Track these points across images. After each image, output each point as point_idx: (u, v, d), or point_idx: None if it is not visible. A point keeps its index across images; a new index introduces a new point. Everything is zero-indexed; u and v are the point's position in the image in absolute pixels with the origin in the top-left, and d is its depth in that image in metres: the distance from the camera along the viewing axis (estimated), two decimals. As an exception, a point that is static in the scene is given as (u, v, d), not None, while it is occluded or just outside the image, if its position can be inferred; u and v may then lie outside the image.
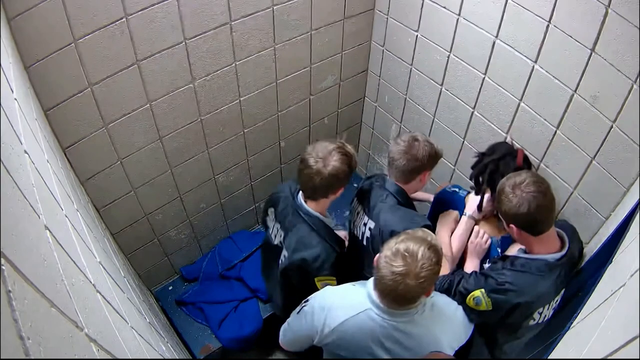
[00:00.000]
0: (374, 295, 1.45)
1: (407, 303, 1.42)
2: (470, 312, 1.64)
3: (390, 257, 1.34)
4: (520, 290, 1.58)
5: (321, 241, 1.82)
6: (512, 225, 1.59)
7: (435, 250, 1.36)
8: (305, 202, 1.87)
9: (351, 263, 2.05)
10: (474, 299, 1.62)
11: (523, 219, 1.54)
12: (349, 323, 1.49)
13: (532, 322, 1.69)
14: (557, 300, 1.68)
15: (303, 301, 1.67)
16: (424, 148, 1.84)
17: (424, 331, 1.47)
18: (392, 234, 1.69)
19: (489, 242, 1.92)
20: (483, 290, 1.61)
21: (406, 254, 1.32)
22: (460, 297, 1.67)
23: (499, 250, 1.90)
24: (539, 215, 1.53)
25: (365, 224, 1.94)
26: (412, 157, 1.84)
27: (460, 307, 1.65)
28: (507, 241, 1.90)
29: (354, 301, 1.51)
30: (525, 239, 1.62)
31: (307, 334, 1.61)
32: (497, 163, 1.87)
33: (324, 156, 1.73)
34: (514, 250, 1.76)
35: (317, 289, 1.75)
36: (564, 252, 1.61)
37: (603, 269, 1.28)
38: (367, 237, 1.93)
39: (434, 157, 1.89)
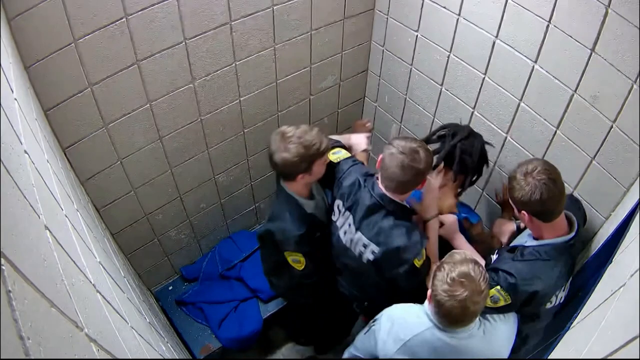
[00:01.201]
0: (433, 317, 1.54)
1: (469, 322, 1.51)
2: (490, 311, 1.64)
3: (448, 289, 1.42)
4: (535, 278, 1.59)
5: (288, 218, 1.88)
6: (523, 212, 1.59)
7: (479, 265, 1.47)
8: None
9: (328, 263, 2.04)
10: (491, 298, 1.61)
11: (535, 206, 1.55)
12: (416, 340, 1.57)
13: (549, 305, 1.70)
14: (569, 282, 1.70)
15: (371, 321, 1.76)
16: (425, 159, 1.68)
17: (486, 345, 1.56)
18: (399, 250, 1.73)
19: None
20: (498, 287, 1.62)
21: (463, 279, 1.41)
22: None
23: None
24: (550, 203, 1.54)
25: (365, 246, 1.81)
26: (413, 170, 1.66)
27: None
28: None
29: (417, 319, 1.60)
30: (536, 226, 1.63)
31: (372, 351, 1.71)
32: (464, 144, 1.93)
33: (283, 143, 1.73)
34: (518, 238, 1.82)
35: None
36: (573, 234, 1.62)
37: (603, 269, 1.28)
38: (369, 260, 1.82)
39: (432, 161, 1.79)
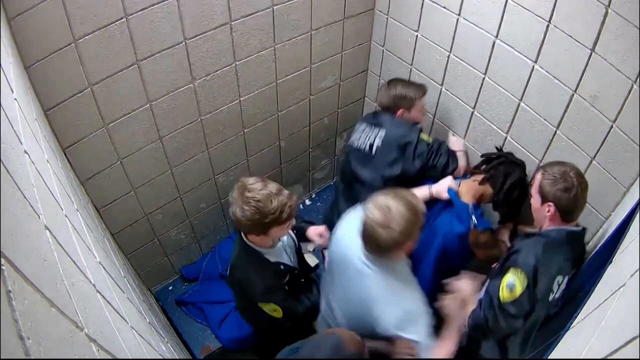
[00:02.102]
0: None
1: (376, 250, 1.55)
2: (510, 308, 1.59)
3: (371, 207, 1.51)
4: (535, 252, 1.61)
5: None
6: (550, 204, 1.62)
7: (413, 211, 1.50)
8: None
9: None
10: (506, 286, 1.60)
11: (566, 202, 1.60)
12: (342, 227, 1.74)
13: (551, 296, 1.66)
14: (565, 279, 1.67)
15: None
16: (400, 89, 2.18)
17: (378, 287, 1.59)
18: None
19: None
20: (511, 268, 1.62)
21: (384, 207, 1.49)
22: (492, 303, 1.64)
23: (473, 218, 1.93)
24: (579, 203, 1.62)
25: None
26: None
27: (415, 299, 1.62)
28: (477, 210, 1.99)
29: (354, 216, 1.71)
30: (553, 222, 1.67)
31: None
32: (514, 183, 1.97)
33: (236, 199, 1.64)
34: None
35: None
36: (580, 228, 1.68)
37: (603, 269, 1.28)
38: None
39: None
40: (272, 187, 1.60)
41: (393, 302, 1.58)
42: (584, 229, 1.71)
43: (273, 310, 1.79)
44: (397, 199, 1.50)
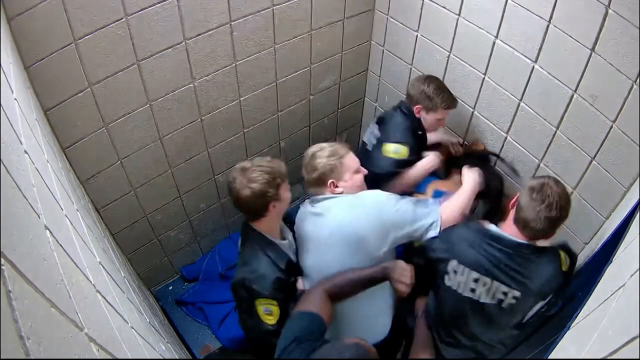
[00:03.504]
0: None
1: (317, 188, 1.85)
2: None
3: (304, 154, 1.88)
4: (450, 234, 1.70)
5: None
6: (516, 199, 1.63)
7: (330, 150, 1.84)
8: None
9: None
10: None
11: (524, 203, 1.57)
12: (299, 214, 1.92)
13: (447, 281, 1.69)
14: (489, 286, 1.62)
15: None
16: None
17: (336, 209, 1.76)
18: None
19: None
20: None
21: (310, 152, 1.89)
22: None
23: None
24: (544, 220, 1.53)
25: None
26: None
27: (376, 194, 1.79)
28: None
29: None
30: (507, 216, 1.68)
31: None
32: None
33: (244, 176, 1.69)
34: None
35: None
36: (520, 240, 1.59)
37: (603, 269, 1.28)
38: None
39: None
40: (256, 158, 1.78)
41: (370, 212, 1.72)
42: (526, 245, 1.60)
43: (269, 312, 1.69)
44: (322, 144, 1.86)
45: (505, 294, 1.62)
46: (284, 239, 1.86)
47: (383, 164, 2.13)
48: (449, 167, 2.33)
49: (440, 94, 2.11)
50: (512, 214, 1.64)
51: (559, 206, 1.52)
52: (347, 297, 1.64)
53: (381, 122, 2.24)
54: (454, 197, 1.82)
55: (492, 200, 2.14)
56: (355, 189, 1.84)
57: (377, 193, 1.78)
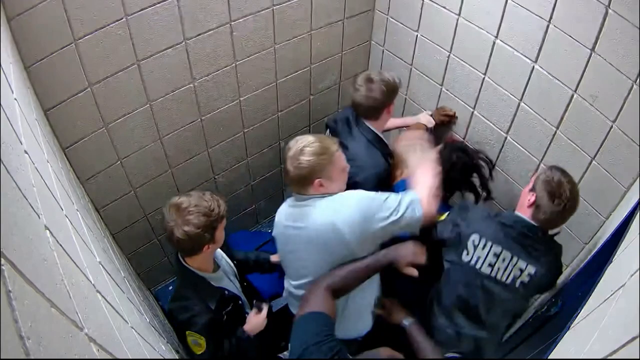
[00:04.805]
0: None
1: (298, 185, 1.70)
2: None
3: (291, 141, 1.70)
4: (471, 208, 1.79)
5: None
6: (533, 195, 1.68)
7: (320, 146, 1.65)
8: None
9: None
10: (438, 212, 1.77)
11: (544, 205, 1.64)
12: (276, 216, 1.85)
13: (464, 256, 1.75)
14: (508, 261, 1.71)
15: None
16: (380, 88, 1.95)
17: (318, 212, 1.68)
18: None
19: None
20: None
21: (297, 141, 1.67)
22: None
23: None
24: (554, 215, 1.65)
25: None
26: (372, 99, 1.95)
27: (359, 193, 1.70)
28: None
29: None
30: (524, 205, 1.72)
31: None
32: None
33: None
34: None
35: None
36: (537, 224, 1.68)
37: (603, 269, 1.28)
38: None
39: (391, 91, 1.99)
40: (194, 193, 1.65)
41: (348, 207, 1.64)
42: (543, 231, 1.69)
43: (197, 344, 1.67)
44: (311, 136, 1.69)
45: (521, 270, 1.71)
46: (216, 268, 1.80)
47: None
48: None
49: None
50: (526, 201, 1.71)
51: (572, 205, 1.66)
52: (351, 290, 1.63)
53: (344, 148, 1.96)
54: (419, 184, 1.77)
55: (478, 183, 2.12)
56: (341, 188, 1.73)
57: (360, 195, 1.67)
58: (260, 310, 1.84)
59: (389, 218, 1.60)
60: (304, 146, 1.65)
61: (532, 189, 1.70)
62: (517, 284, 1.72)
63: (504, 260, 1.71)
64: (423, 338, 1.68)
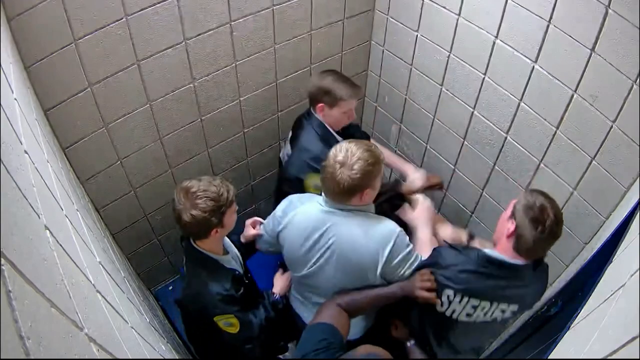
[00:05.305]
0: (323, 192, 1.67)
1: (344, 195, 1.59)
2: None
3: (335, 150, 1.59)
4: (443, 261, 1.62)
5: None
6: (513, 223, 1.53)
7: (372, 154, 1.58)
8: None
9: None
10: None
11: (526, 233, 1.49)
12: (300, 211, 1.72)
13: (439, 307, 1.63)
14: (488, 309, 1.60)
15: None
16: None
17: (355, 226, 1.64)
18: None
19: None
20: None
21: (348, 150, 1.56)
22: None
23: None
24: (538, 244, 1.50)
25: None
26: None
27: (401, 231, 1.67)
28: None
29: (309, 198, 1.77)
30: (506, 242, 1.56)
31: (273, 229, 1.82)
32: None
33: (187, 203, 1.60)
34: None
35: None
36: (516, 262, 1.54)
37: (603, 269, 1.28)
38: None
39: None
40: (204, 178, 1.65)
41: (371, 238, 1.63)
42: (525, 265, 1.55)
43: (229, 325, 1.69)
44: (357, 144, 1.59)
45: (503, 311, 1.62)
46: (226, 252, 1.81)
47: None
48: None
49: (337, 84, 1.97)
50: (505, 231, 1.56)
51: (556, 232, 1.51)
52: (362, 313, 1.67)
53: (293, 141, 2.12)
54: (420, 242, 1.82)
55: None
56: (374, 197, 1.68)
57: (402, 232, 1.66)
58: (284, 270, 1.90)
59: (405, 268, 1.66)
60: (359, 156, 1.54)
61: (512, 216, 1.54)
62: (500, 319, 1.63)
63: (483, 308, 1.60)
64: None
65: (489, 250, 1.59)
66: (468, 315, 1.62)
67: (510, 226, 1.54)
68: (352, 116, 2.09)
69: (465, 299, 1.59)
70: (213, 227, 1.62)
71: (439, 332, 1.72)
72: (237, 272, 1.78)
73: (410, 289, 1.61)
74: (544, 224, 1.47)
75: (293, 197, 1.80)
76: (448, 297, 1.60)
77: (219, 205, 1.59)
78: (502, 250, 1.57)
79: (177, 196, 1.60)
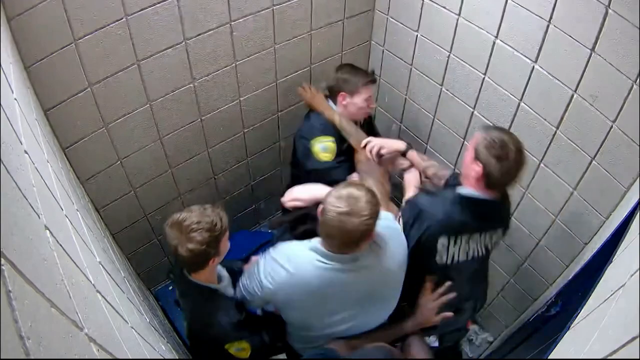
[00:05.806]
0: (320, 245, 1.54)
1: (353, 245, 1.50)
2: None
3: (334, 201, 1.45)
4: (424, 213, 1.67)
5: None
6: (479, 164, 1.59)
7: (373, 194, 1.50)
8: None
9: None
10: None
11: (494, 169, 1.57)
12: (294, 278, 1.56)
13: (438, 257, 1.70)
14: (478, 240, 1.73)
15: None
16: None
17: (374, 265, 1.58)
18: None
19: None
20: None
21: (350, 197, 1.45)
22: None
23: None
24: (507, 176, 1.60)
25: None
26: None
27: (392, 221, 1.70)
28: None
29: (297, 258, 1.58)
30: (476, 183, 1.64)
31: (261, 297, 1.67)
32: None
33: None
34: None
35: None
36: (490, 197, 1.65)
37: (603, 269, 1.28)
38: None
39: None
40: (194, 207, 1.59)
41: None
42: (502, 199, 1.70)
43: (241, 349, 1.68)
44: (348, 188, 1.49)
45: (492, 236, 1.76)
46: (220, 279, 1.79)
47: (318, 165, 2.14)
48: None
49: (355, 71, 2.16)
50: (472, 173, 1.62)
51: (520, 160, 1.59)
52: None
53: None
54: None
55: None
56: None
57: (395, 228, 1.68)
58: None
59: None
60: (366, 199, 1.44)
61: (476, 158, 1.60)
62: (490, 247, 1.78)
63: (475, 241, 1.72)
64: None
65: (463, 189, 1.68)
66: (465, 252, 1.72)
67: (477, 168, 1.60)
68: (372, 103, 2.24)
69: (459, 239, 1.69)
70: (211, 257, 1.60)
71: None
72: (237, 299, 1.77)
73: (421, 322, 1.75)
74: (508, 157, 1.55)
75: (273, 259, 1.65)
76: (443, 244, 1.68)
77: (215, 236, 1.56)
78: (473, 187, 1.66)
79: (169, 231, 1.54)
